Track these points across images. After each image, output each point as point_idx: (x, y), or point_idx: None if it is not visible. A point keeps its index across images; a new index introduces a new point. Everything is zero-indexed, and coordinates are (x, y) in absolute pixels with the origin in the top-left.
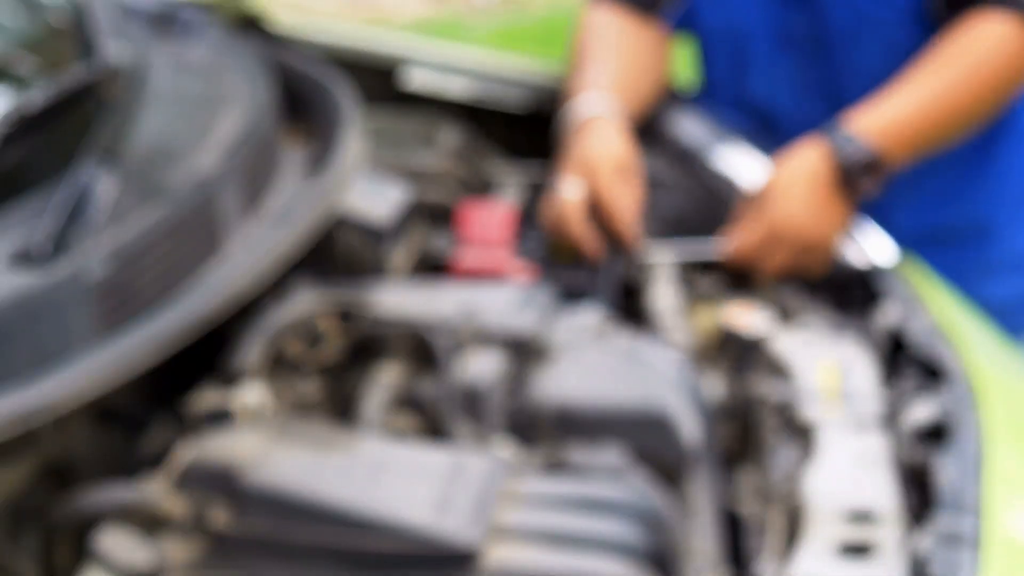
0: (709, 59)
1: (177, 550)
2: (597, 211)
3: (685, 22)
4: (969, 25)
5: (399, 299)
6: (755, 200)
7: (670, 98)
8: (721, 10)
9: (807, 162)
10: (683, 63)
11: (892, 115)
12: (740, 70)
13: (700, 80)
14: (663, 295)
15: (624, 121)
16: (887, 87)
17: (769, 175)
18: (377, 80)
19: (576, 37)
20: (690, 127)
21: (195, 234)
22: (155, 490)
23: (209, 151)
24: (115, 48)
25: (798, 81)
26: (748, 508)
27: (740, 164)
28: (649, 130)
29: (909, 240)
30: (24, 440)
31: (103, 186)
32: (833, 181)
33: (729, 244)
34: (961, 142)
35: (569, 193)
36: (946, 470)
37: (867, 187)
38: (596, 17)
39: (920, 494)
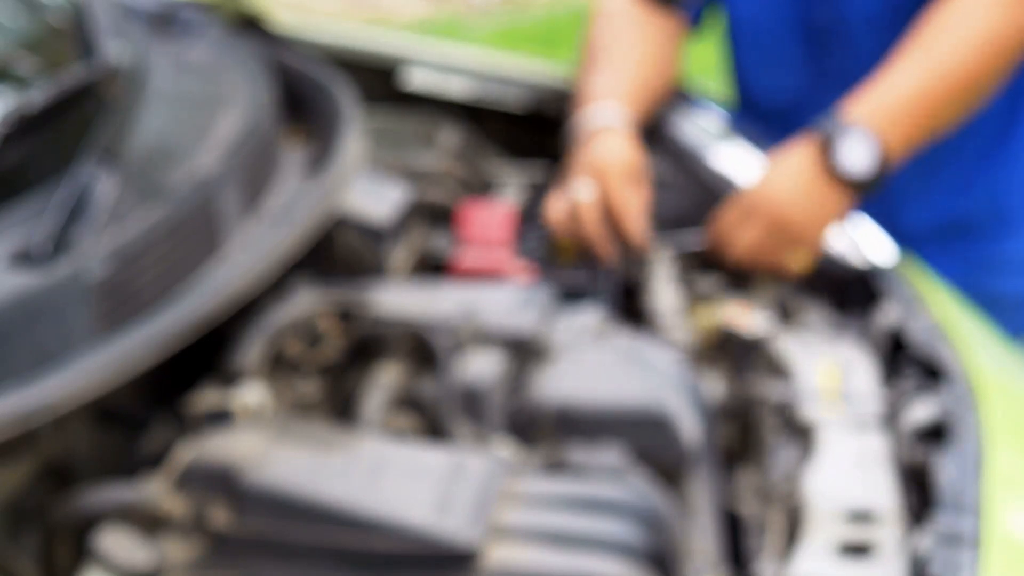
0: (737, 51)
1: (177, 550)
2: (606, 213)
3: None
4: None
5: (399, 299)
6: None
7: (673, 97)
8: (747, 1)
9: (797, 160)
10: (711, 54)
11: (890, 99)
12: (766, 62)
13: (729, 72)
14: (663, 295)
15: (633, 131)
16: (882, 68)
17: (761, 172)
18: (377, 80)
19: (590, 26)
20: (690, 127)
21: (195, 234)
22: (155, 490)
23: (209, 151)
24: (115, 48)
25: (822, 73)
26: (748, 508)
27: (740, 164)
28: (650, 130)
29: (925, 233)
30: (24, 440)
31: (103, 186)
32: (826, 175)
33: (708, 229)
34: (974, 128)
35: (583, 194)
36: (946, 470)
37: (871, 182)
38: (613, 5)
39: (920, 494)
